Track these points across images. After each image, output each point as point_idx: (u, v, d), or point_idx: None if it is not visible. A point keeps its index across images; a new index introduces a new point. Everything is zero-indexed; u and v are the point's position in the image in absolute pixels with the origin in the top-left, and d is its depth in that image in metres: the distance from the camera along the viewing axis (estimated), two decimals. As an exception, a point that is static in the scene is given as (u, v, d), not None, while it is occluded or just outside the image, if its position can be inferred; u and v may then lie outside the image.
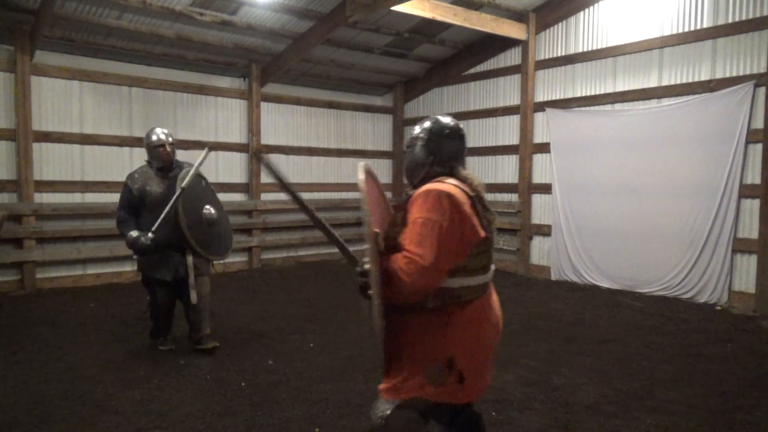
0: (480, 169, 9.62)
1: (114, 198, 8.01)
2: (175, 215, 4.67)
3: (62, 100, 7.71)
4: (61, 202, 7.62)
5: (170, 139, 4.98)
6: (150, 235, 4.65)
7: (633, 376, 4.43)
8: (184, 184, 4.67)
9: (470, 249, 2.20)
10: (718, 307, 6.66)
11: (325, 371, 4.48)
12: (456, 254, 2.17)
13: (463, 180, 2.32)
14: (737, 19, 6.67)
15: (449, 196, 2.17)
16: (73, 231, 7.68)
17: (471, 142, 9.89)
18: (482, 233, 2.22)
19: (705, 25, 6.94)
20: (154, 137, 4.94)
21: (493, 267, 2.41)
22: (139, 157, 8.26)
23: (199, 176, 5.00)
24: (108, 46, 7.79)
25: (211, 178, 8.98)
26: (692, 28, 7.05)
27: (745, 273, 6.66)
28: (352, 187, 10.75)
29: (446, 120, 2.47)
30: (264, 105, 9.48)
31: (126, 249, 7.87)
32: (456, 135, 2.44)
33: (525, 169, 8.87)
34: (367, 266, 2.15)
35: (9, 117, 7.29)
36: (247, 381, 4.25)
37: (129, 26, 7.43)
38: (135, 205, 4.86)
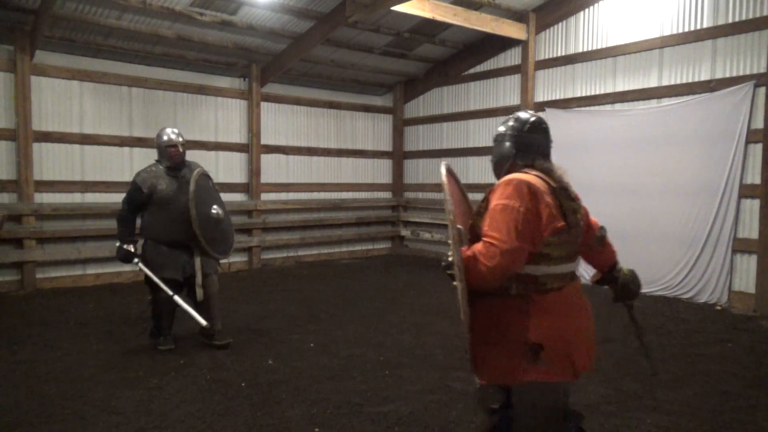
0: (480, 169, 9.62)
1: (114, 198, 8.04)
2: (188, 214, 4.76)
3: (62, 100, 7.71)
4: (61, 202, 7.63)
5: (181, 140, 5.03)
6: (136, 261, 4.93)
7: (633, 376, 4.43)
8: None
9: (548, 236, 2.23)
10: (718, 307, 6.66)
11: (325, 371, 4.48)
12: (533, 240, 2.21)
13: (546, 171, 2.41)
14: (737, 19, 6.67)
15: (528, 185, 2.24)
16: (73, 231, 7.69)
17: (471, 142, 9.91)
18: (561, 222, 2.25)
19: (705, 25, 6.94)
20: (166, 137, 4.99)
21: (579, 258, 2.48)
22: (139, 157, 8.28)
23: (206, 176, 5.08)
24: (108, 46, 7.79)
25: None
26: (692, 28, 7.05)
27: (745, 273, 6.66)
28: (352, 187, 10.76)
29: (527, 115, 2.58)
30: (264, 105, 9.49)
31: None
32: (538, 129, 2.56)
33: (525, 169, 8.86)
34: (450, 258, 2.20)
35: (9, 117, 7.29)
36: (247, 381, 4.25)
37: (129, 26, 7.43)
38: (141, 204, 4.91)
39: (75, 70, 7.78)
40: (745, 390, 4.18)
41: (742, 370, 4.61)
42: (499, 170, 2.54)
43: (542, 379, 2.23)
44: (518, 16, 8.62)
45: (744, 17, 6.63)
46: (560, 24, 8.48)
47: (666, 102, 7.23)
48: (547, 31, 8.64)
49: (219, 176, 9.10)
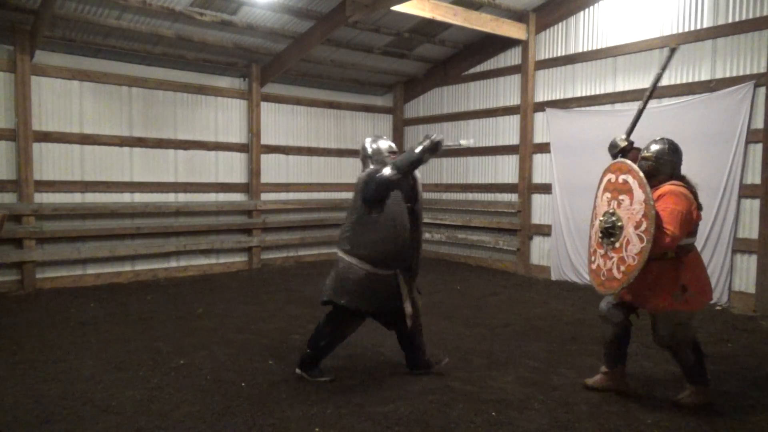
0: (480, 169, 9.62)
1: (114, 198, 8.08)
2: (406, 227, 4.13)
3: (62, 100, 7.71)
4: (61, 202, 7.63)
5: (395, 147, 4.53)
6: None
7: (633, 376, 4.43)
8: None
9: (694, 224, 3.72)
10: (718, 307, 6.66)
11: (325, 371, 4.48)
12: (688, 228, 3.67)
13: (686, 182, 3.82)
14: (737, 19, 6.67)
15: (686, 195, 3.69)
16: (73, 231, 7.69)
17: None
18: (700, 215, 3.77)
19: (705, 25, 6.94)
20: (386, 144, 4.41)
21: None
22: (139, 157, 8.29)
23: (414, 178, 4.38)
24: (108, 46, 7.79)
25: (211, 178, 9.03)
26: (692, 28, 7.05)
27: (745, 273, 6.66)
28: (352, 187, 10.72)
29: (676, 142, 3.94)
30: (264, 105, 9.49)
31: (125, 249, 8.02)
32: (681, 152, 3.95)
33: (525, 169, 8.87)
34: (613, 222, 3.82)
35: (9, 117, 7.29)
36: (247, 381, 4.25)
37: (129, 26, 7.43)
38: (380, 202, 4.12)
39: (75, 70, 7.78)
40: (745, 390, 4.18)
41: (742, 370, 4.61)
42: (657, 179, 3.81)
43: (680, 309, 3.71)
44: (518, 16, 8.62)
45: (744, 17, 6.62)
46: (560, 24, 8.47)
47: (666, 102, 7.23)
48: (547, 31, 8.64)
49: (219, 176, 9.11)
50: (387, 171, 4.08)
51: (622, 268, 3.71)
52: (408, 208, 4.20)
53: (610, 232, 3.78)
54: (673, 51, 4.38)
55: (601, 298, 4.20)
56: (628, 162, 3.84)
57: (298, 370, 4.32)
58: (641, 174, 3.68)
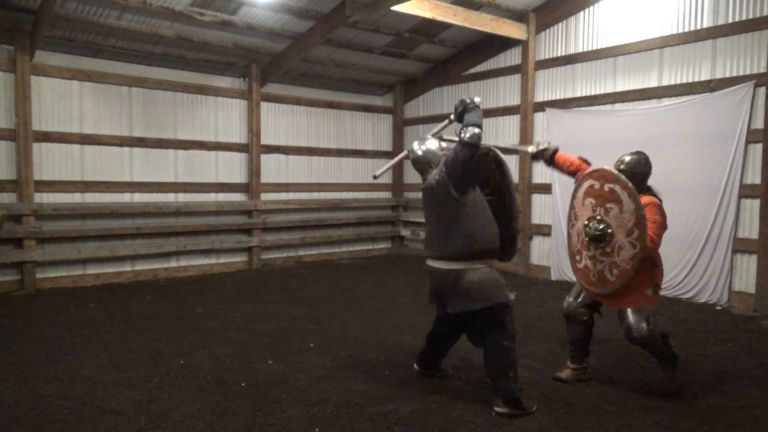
0: (480, 169, 9.61)
1: (114, 198, 8.08)
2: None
3: (62, 100, 7.71)
4: (61, 202, 7.62)
5: None
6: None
7: (633, 376, 4.43)
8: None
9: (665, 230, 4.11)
10: (718, 307, 6.66)
11: (325, 371, 4.48)
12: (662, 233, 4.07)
13: (655, 193, 4.17)
14: (737, 19, 6.67)
15: (662, 208, 4.08)
16: (73, 231, 7.68)
17: (471, 142, 9.89)
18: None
19: (705, 25, 6.94)
20: (435, 144, 4.06)
21: None
22: (139, 157, 8.29)
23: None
24: (108, 46, 7.79)
25: (211, 178, 9.04)
26: (692, 28, 7.05)
27: (745, 273, 6.66)
28: (352, 187, 10.76)
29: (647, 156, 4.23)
30: (264, 105, 9.48)
31: (125, 249, 8.01)
32: (651, 164, 4.23)
33: (525, 169, 8.87)
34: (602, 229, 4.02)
35: (9, 117, 7.29)
36: (247, 381, 4.25)
37: (129, 26, 7.43)
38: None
39: (75, 70, 7.78)
40: (745, 390, 4.18)
41: (742, 370, 4.61)
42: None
43: (651, 303, 4.04)
44: (518, 16, 8.62)
45: (744, 17, 6.62)
46: (560, 24, 8.47)
47: (666, 102, 7.23)
48: (547, 31, 8.64)
49: (219, 176, 9.11)
50: (468, 133, 3.68)
51: (615, 271, 3.95)
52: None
53: (599, 238, 3.97)
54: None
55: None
56: (614, 171, 3.96)
57: (500, 409, 3.70)
58: (630, 185, 3.85)
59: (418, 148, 4.02)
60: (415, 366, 4.43)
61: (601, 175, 4.02)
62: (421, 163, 4.01)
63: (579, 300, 4.33)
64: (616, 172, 3.95)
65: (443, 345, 4.35)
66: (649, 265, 4.00)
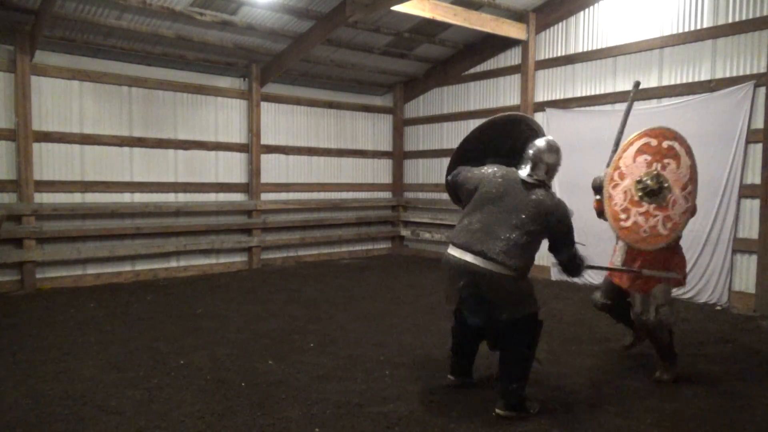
0: (480, 169, 9.59)
1: (114, 198, 8.08)
2: None
3: (62, 100, 7.70)
4: (61, 202, 7.62)
5: None
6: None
7: (633, 376, 4.43)
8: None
9: None
10: (718, 307, 6.66)
11: (325, 371, 4.48)
12: None
13: None
14: (737, 19, 6.67)
15: None
16: (73, 231, 7.68)
17: (471, 142, 9.89)
18: None
19: (705, 25, 6.94)
20: (553, 158, 4.28)
21: None
22: (139, 157, 8.29)
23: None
24: (108, 46, 7.79)
25: (211, 178, 9.04)
26: (692, 28, 7.05)
27: (745, 273, 6.66)
28: (352, 187, 10.76)
29: None
30: (264, 105, 9.49)
31: (125, 249, 8.02)
32: None
33: (525, 169, 8.86)
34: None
35: (9, 117, 7.29)
36: (247, 381, 4.25)
37: (129, 26, 7.43)
38: None
39: (75, 70, 7.78)
40: (745, 390, 4.18)
41: (742, 370, 4.61)
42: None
43: (673, 285, 4.40)
44: (518, 16, 8.62)
45: (744, 17, 6.62)
46: (560, 24, 8.47)
47: (666, 102, 7.23)
48: (547, 31, 8.64)
49: (219, 176, 9.11)
50: (581, 272, 4.27)
51: (669, 225, 4.15)
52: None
53: (655, 192, 4.14)
54: (637, 85, 5.03)
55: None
56: (673, 129, 4.25)
57: (502, 412, 3.65)
58: (688, 142, 4.17)
59: (547, 155, 4.20)
60: (450, 377, 4.24)
61: (660, 132, 4.26)
62: (546, 171, 4.11)
63: (602, 298, 4.71)
64: (673, 128, 4.23)
65: (471, 352, 4.23)
66: (676, 246, 4.32)
